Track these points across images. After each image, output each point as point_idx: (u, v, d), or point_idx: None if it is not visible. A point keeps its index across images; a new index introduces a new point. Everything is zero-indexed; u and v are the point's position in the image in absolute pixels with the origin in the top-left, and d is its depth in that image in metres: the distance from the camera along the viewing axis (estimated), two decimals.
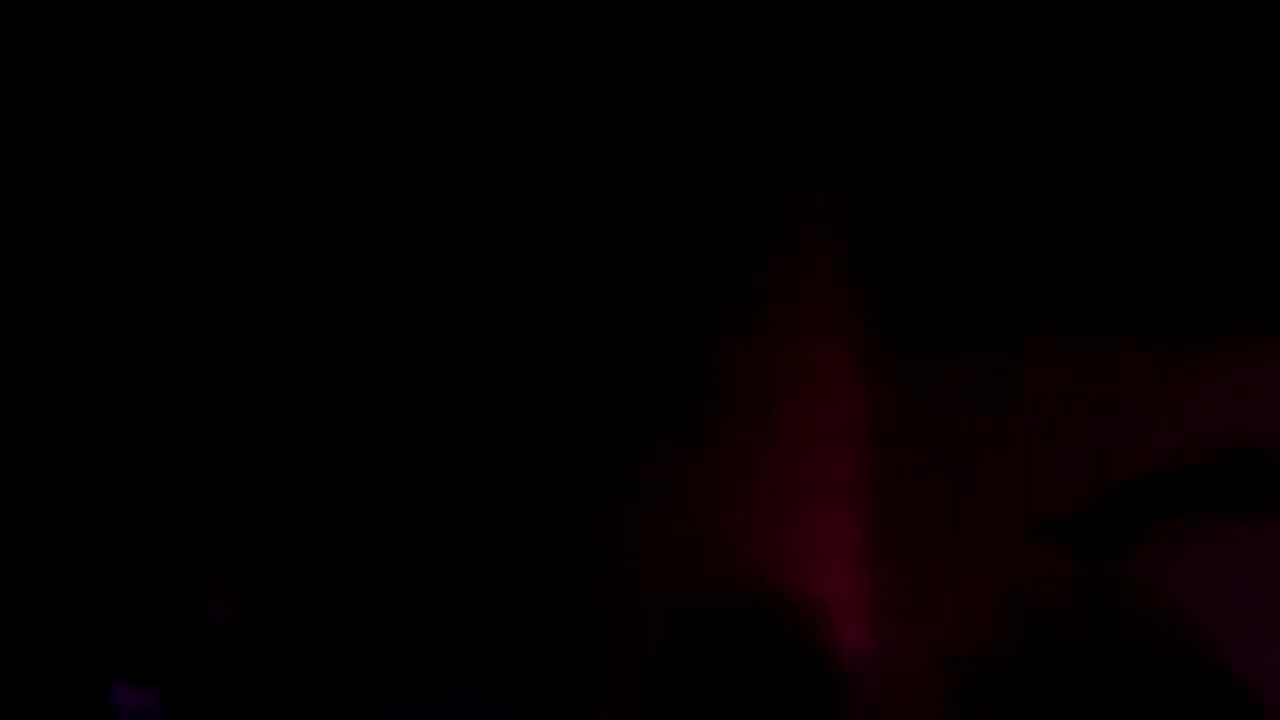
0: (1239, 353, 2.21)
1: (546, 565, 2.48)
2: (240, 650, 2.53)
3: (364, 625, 2.57)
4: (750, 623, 2.30)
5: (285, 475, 2.62)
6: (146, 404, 2.64)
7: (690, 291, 2.54)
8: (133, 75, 2.62)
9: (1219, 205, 2.29)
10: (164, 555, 2.66)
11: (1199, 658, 1.72)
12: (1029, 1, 2.39)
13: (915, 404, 2.47)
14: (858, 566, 2.36)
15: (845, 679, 2.19)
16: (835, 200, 2.52)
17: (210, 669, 2.48)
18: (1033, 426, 2.33)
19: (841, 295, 2.53)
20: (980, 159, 2.46)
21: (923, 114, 2.48)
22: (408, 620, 2.52)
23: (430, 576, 2.47)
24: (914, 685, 2.22)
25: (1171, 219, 2.32)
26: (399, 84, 2.59)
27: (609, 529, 2.46)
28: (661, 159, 2.54)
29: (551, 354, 2.50)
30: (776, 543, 2.40)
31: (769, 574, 2.35)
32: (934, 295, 2.50)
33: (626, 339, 2.54)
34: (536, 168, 2.53)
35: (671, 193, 2.53)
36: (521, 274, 2.54)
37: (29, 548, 2.62)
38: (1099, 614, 1.52)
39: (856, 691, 2.22)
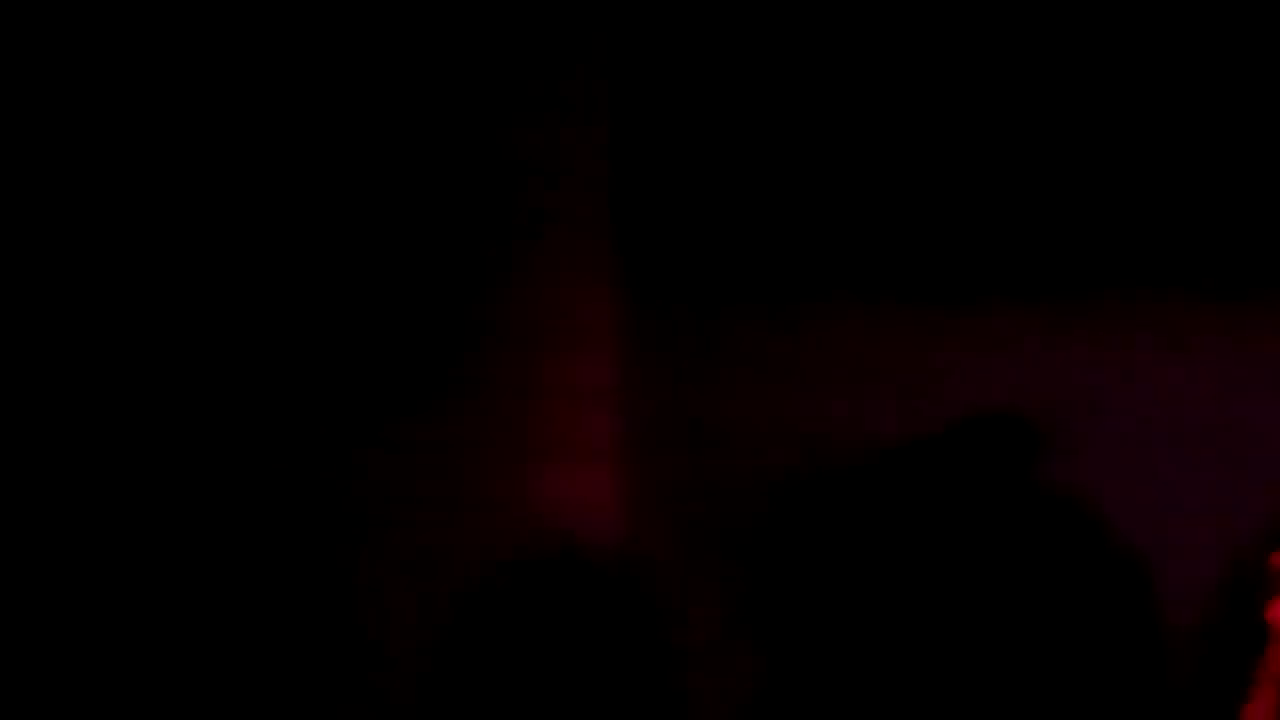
0: (1004, 320, 2.48)
1: (314, 522, 2.63)
2: None
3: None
4: (514, 573, 2.54)
5: None
6: None
7: (453, 254, 2.76)
8: None
9: (987, 175, 2.54)
10: None
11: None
12: None
13: (669, 362, 2.73)
14: (613, 516, 2.62)
15: (607, 616, 2.46)
16: (597, 161, 2.74)
17: None
18: (784, 386, 2.58)
19: (603, 256, 2.75)
20: (741, 126, 2.69)
21: (684, 77, 2.72)
22: (165, 578, 2.63)
23: (192, 539, 2.58)
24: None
25: (936, 187, 2.57)
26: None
27: (375, 485, 2.65)
28: (422, 124, 2.74)
29: (315, 313, 2.66)
30: (536, 497, 2.63)
31: (530, 527, 2.60)
32: (690, 256, 2.74)
33: (392, 299, 2.73)
34: (295, 125, 2.69)
35: (435, 152, 2.75)
36: (285, 230, 2.67)
37: None
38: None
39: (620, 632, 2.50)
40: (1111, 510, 2.26)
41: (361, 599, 2.67)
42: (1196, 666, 1.68)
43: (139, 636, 2.62)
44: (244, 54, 2.73)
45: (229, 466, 2.74)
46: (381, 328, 2.79)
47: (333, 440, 2.75)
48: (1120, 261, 2.60)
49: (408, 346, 2.79)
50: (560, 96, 2.79)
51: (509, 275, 2.78)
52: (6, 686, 2.55)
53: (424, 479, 2.72)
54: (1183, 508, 2.21)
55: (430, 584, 2.64)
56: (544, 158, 2.81)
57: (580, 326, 2.78)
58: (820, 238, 2.71)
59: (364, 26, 2.77)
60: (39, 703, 2.55)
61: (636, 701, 2.66)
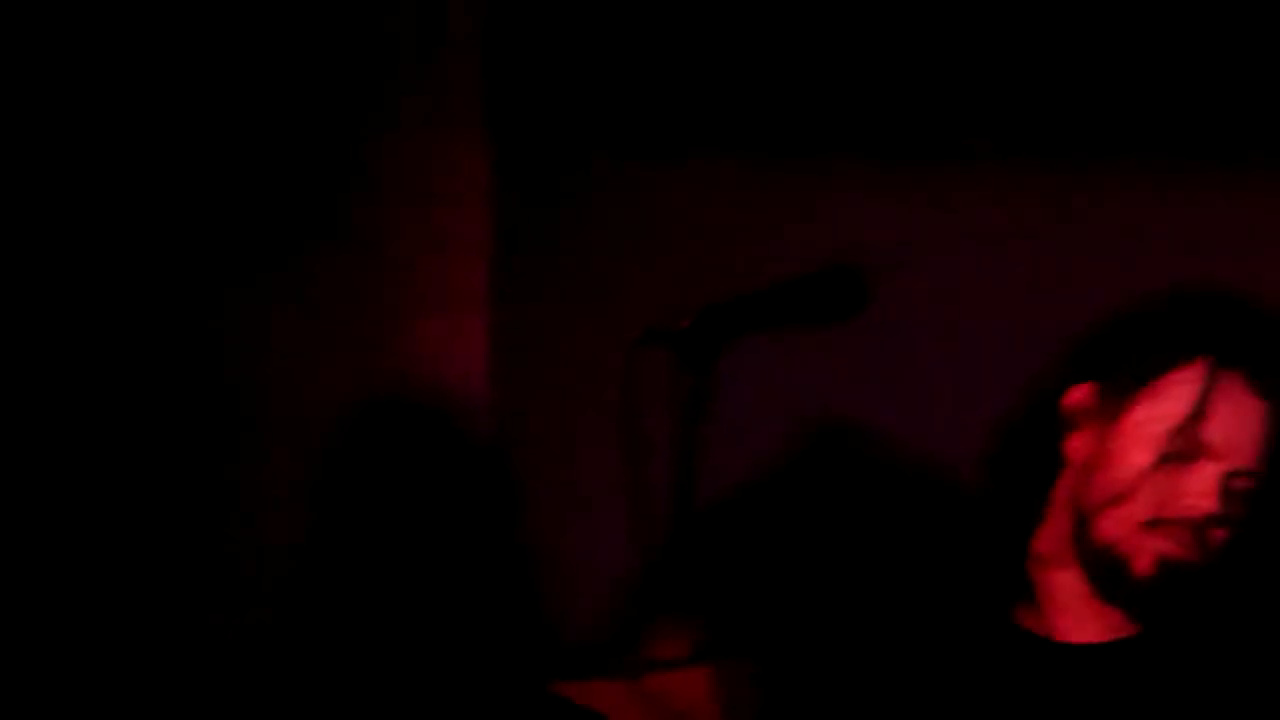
0: (848, 179, 2.58)
1: (201, 371, 2.73)
2: None
3: None
4: (391, 419, 2.61)
5: None
6: None
7: (328, 109, 2.81)
8: None
9: (830, 46, 2.60)
10: None
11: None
12: None
13: (543, 215, 2.79)
14: (484, 368, 2.77)
15: (478, 463, 2.58)
16: (471, 19, 2.83)
17: None
18: (649, 241, 2.66)
19: (475, 113, 2.81)
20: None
21: None
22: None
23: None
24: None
25: (783, 51, 2.64)
26: None
27: (257, 334, 2.74)
28: None
29: (201, 161, 2.71)
30: (409, 346, 2.76)
31: (405, 374, 2.71)
32: (560, 115, 2.80)
33: (278, 148, 2.78)
34: None
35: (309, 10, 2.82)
36: (173, 76, 2.72)
37: None
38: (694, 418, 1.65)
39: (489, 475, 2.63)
40: (926, 357, 2.38)
41: (233, 446, 2.73)
42: (996, 496, 1.73)
43: None
44: None
45: (92, 312, 2.76)
46: (255, 179, 2.79)
47: (205, 288, 2.76)
48: (955, 125, 2.64)
49: (281, 198, 2.80)
50: None
51: (382, 132, 2.79)
52: None
53: (295, 326, 2.78)
54: (993, 354, 2.29)
55: (299, 434, 2.71)
56: (417, 15, 2.83)
57: (452, 181, 2.80)
58: (681, 99, 2.74)
59: None
60: None
61: (492, 546, 2.71)
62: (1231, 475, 1.47)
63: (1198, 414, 1.49)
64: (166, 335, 2.79)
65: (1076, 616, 1.50)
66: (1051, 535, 1.52)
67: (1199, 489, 1.47)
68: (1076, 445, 1.51)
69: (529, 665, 2.45)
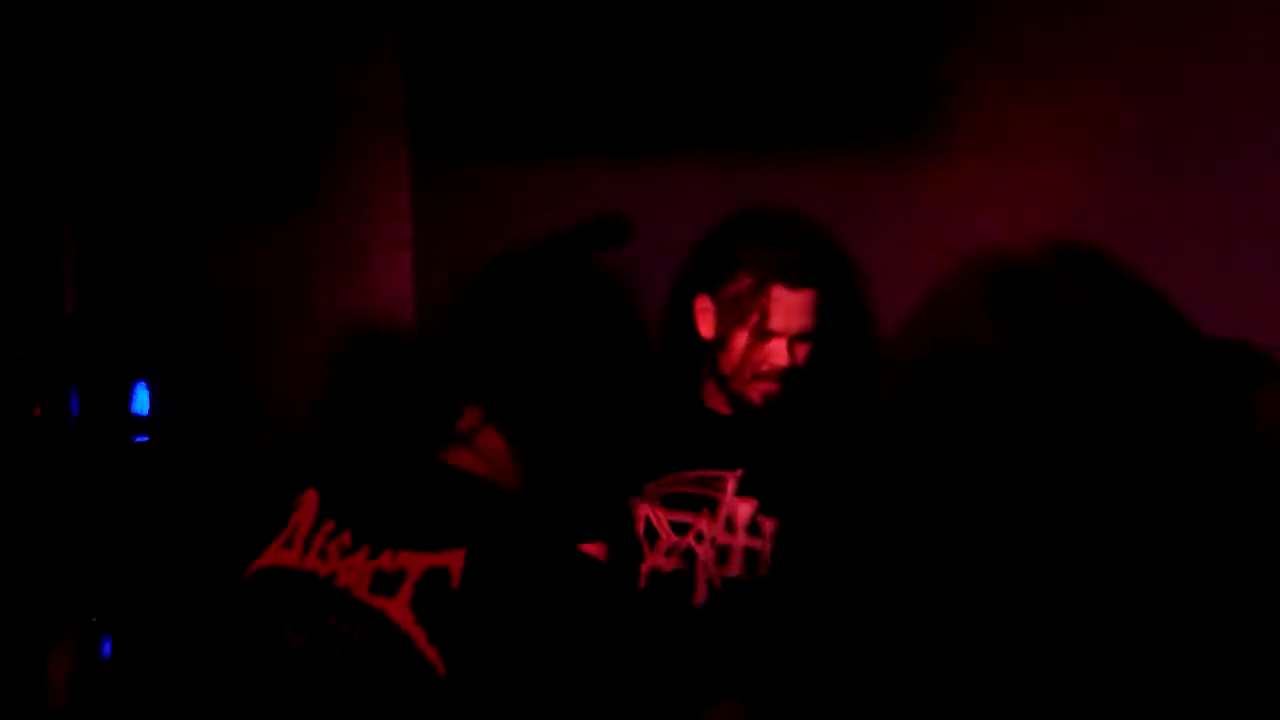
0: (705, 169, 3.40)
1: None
2: None
3: None
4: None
5: None
6: None
7: (310, 123, 3.73)
8: None
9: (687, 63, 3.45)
10: None
11: None
12: None
13: (457, 205, 3.66)
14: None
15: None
16: (393, 64, 3.75)
17: None
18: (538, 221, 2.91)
19: (400, 128, 3.76)
20: (506, 42, 3.62)
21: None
22: None
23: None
24: None
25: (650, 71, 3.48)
26: None
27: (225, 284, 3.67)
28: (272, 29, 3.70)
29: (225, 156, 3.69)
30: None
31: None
32: (476, 114, 3.65)
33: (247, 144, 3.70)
34: None
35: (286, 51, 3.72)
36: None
37: None
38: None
39: None
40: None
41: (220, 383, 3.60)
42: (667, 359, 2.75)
43: None
44: None
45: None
46: (237, 160, 3.78)
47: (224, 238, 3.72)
48: (777, 129, 3.50)
49: (260, 174, 3.80)
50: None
51: (334, 133, 3.78)
52: None
53: (269, 276, 3.75)
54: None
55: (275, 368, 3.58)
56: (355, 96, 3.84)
57: (380, 182, 3.83)
58: (570, 108, 3.61)
59: None
60: None
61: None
62: (793, 340, 2.45)
63: (763, 314, 2.45)
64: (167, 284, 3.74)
65: (724, 405, 2.53)
66: (709, 378, 2.54)
67: (775, 353, 2.45)
68: (705, 333, 2.49)
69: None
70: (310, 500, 1.89)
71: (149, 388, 3.42)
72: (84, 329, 3.59)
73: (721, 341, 2.52)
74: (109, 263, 3.76)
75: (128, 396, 3.41)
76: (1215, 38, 3.12)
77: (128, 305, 3.78)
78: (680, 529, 2.58)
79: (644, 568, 2.59)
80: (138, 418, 3.39)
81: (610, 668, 1.78)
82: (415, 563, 1.76)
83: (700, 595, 2.59)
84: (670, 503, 2.59)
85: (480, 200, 3.69)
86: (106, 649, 3.03)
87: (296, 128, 3.84)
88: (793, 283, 2.48)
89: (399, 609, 1.74)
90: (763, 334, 2.50)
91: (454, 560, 1.74)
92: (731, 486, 2.58)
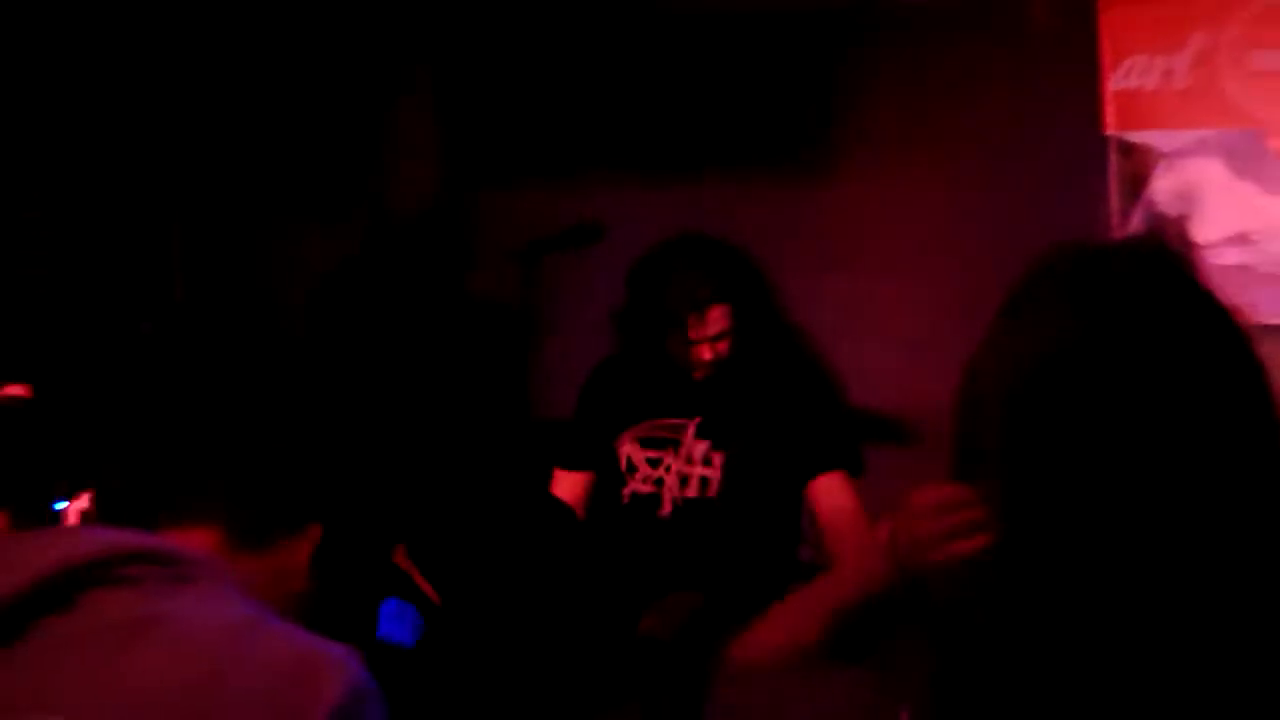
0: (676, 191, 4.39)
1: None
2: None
3: None
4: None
5: None
6: None
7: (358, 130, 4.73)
8: None
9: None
10: None
11: None
12: None
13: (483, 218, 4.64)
14: None
15: None
16: (425, 111, 4.78)
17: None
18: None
19: (429, 151, 4.72)
20: (518, 93, 4.67)
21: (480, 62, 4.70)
22: None
23: None
24: None
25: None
26: None
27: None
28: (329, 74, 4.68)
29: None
30: None
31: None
32: (496, 152, 4.68)
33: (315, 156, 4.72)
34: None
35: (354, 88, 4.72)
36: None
37: None
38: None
39: None
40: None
41: None
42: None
43: None
44: None
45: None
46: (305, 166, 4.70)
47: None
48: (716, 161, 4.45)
49: (320, 186, 4.71)
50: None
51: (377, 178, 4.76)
52: None
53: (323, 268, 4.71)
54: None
55: None
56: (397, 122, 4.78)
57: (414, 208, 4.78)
58: (561, 144, 4.63)
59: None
60: None
61: None
62: (713, 340, 3.20)
63: (684, 328, 3.18)
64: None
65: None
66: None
67: (700, 351, 3.20)
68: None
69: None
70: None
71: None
72: (189, 309, 4.46)
73: (664, 337, 3.28)
74: (207, 256, 4.67)
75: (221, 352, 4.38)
76: (1023, 104, 4.23)
77: (222, 290, 4.65)
78: (653, 463, 3.39)
79: (626, 491, 3.42)
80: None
81: (576, 570, 2.33)
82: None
83: (666, 509, 3.38)
84: (645, 443, 3.39)
85: (503, 210, 4.55)
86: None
87: (351, 151, 4.74)
88: (703, 308, 3.23)
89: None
90: (688, 340, 3.25)
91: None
92: (691, 431, 3.38)
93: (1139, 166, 4.35)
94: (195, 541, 1.36)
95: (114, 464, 1.84)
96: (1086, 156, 4.40)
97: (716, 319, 3.27)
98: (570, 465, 3.46)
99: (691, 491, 3.40)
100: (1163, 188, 4.35)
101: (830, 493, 3.34)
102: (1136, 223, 4.32)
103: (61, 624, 0.86)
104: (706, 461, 3.39)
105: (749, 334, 3.32)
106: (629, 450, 3.43)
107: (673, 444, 3.41)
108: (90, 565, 0.87)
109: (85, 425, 2.64)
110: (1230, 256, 4.18)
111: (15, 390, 3.46)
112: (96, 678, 0.84)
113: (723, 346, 3.28)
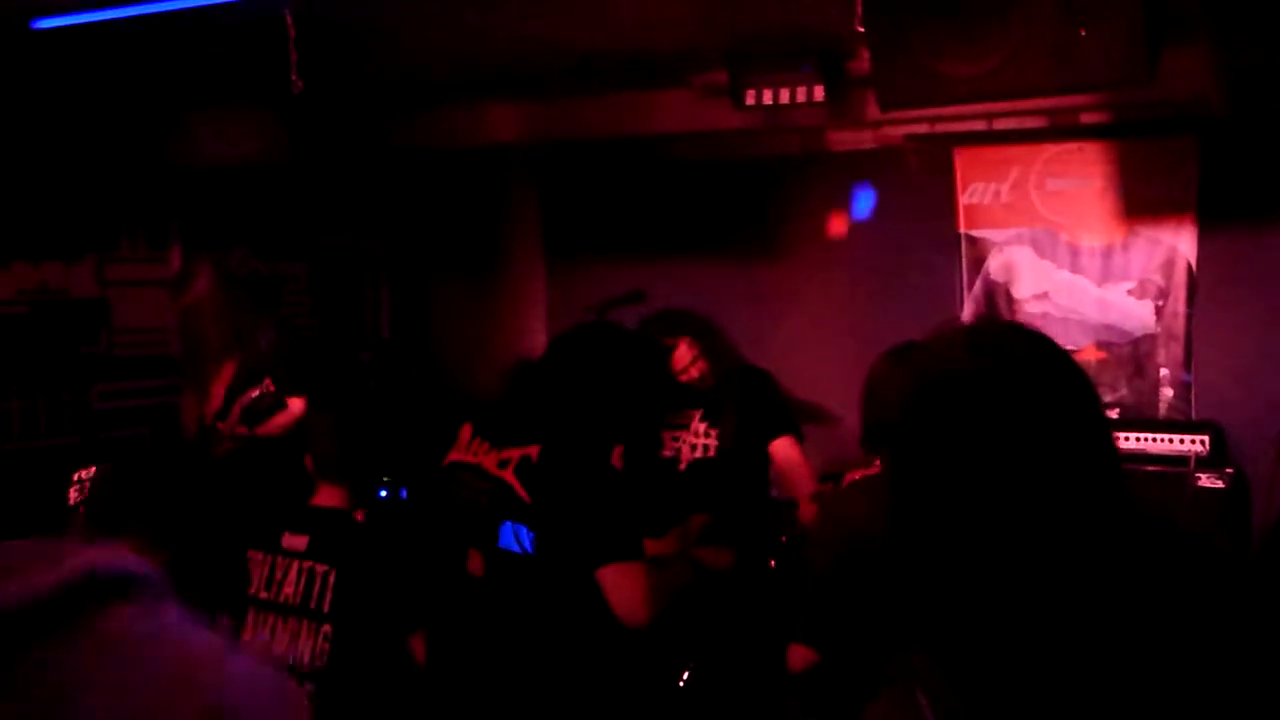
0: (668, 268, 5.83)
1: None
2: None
3: None
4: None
5: None
6: None
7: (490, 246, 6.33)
8: None
9: None
10: None
11: None
12: None
13: (568, 283, 5.97)
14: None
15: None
16: (533, 223, 6.40)
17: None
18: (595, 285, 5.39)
19: (537, 234, 6.39)
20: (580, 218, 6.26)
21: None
22: None
23: None
24: None
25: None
26: None
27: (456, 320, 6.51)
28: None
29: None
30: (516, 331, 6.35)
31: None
32: (575, 240, 6.38)
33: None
34: None
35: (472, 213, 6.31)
36: None
37: None
38: None
39: None
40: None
41: None
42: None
43: None
44: None
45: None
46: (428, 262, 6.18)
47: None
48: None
49: (473, 260, 6.19)
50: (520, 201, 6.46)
51: (502, 253, 6.38)
52: None
53: (472, 314, 6.17)
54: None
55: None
56: (516, 219, 6.42)
57: (528, 270, 6.37)
58: (615, 238, 6.08)
59: None
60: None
61: None
62: (691, 363, 4.45)
63: (669, 359, 4.40)
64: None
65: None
66: None
67: (685, 373, 4.38)
68: None
69: None
70: (467, 427, 2.99)
71: (421, 369, 6.06)
72: (392, 343, 6.12)
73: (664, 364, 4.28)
74: (402, 304, 6.23)
75: (411, 374, 6.08)
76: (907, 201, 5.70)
77: (411, 329, 6.18)
78: (675, 438, 4.51)
79: (659, 454, 4.48)
80: (413, 376, 6.09)
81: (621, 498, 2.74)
82: (515, 453, 2.83)
83: (682, 466, 4.44)
84: (671, 425, 4.48)
85: (579, 281, 5.98)
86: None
87: (490, 237, 6.31)
88: (673, 342, 4.29)
89: (508, 475, 2.83)
90: (674, 367, 4.31)
91: (534, 450, 2.84)
92: (697, 416, 4.42)
93: (979, 251, 6.02)
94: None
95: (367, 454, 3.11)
96: (946, 245, 5.93)
97: (685, 352, 4.44)
98: (619, 441, 4.24)
99: (698, 454, 4.47)
100: (994, 265, 6.05)
101: (783, 448, 4.40)
102: (978, 287, 5.95)
103: (68, 638, 0.72)
104: (707, 435, 4.50)
105: (716, 362, 4.43)
106: (664, 432, 4.52)
107: (685, 426, 4.52)
108: (96, 580, 0.74)
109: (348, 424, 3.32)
110: (1036, 307, 5.90)
111: (296, 402, 5.16)
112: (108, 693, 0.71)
113: (695, 371, 4.42)
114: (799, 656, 2.82)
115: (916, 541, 1.33)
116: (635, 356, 3.00)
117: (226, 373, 5.07)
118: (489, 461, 2.93)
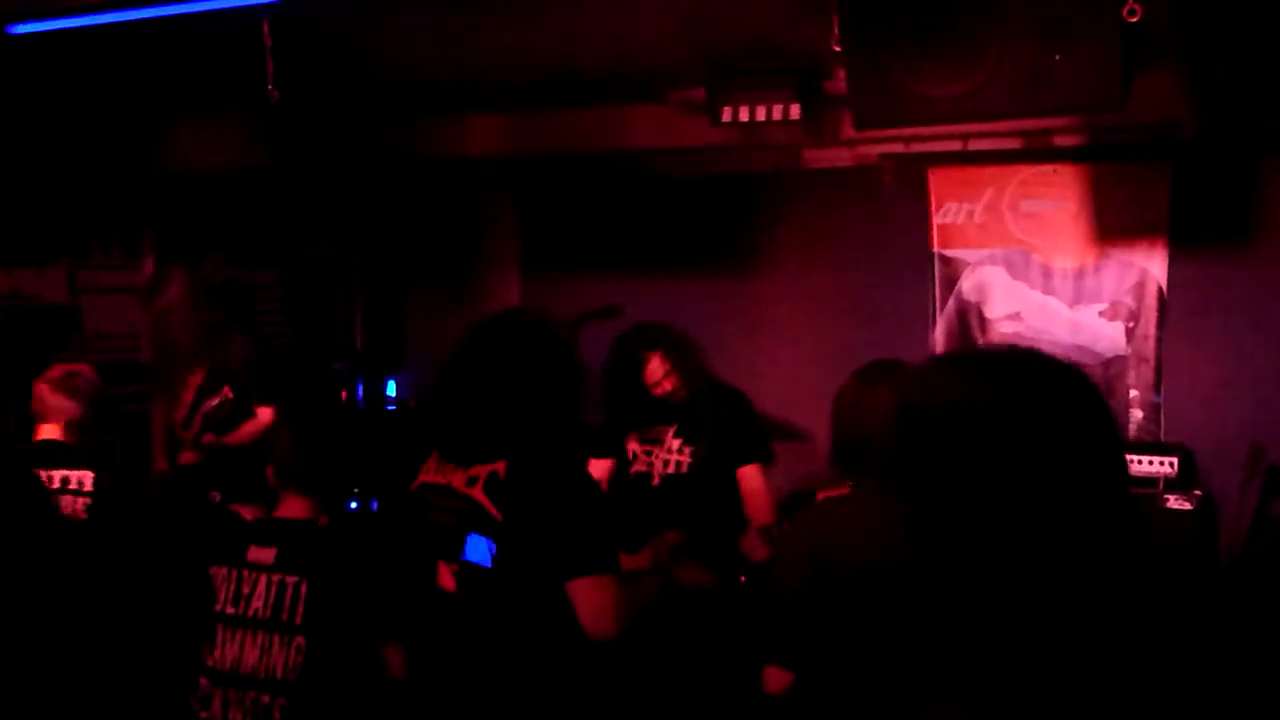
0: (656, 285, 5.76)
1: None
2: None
3: None
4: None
5: None
6: None
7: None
8: None
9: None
10: None
11: None
12: None
13: (544, 295, 5.63)
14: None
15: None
16: (513, 236, 6.29)
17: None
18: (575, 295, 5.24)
19: (511, 253, 6.19)
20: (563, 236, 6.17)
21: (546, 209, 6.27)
22: None
23: None
24: None
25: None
26: None
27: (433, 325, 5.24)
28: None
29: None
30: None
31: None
32: (551, 253, 6.22)
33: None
34: None
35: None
36: None
37: None
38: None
39: None
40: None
41: None
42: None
43: None
44: None
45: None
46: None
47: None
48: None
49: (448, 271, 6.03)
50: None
51: (478, 264, 6.24)
52: None
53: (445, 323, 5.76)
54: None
55: None
56: (492, 231, 6.18)
57: (504, 296, 6.19)
58: (594, 251, 6.04)
59: None
60: None
61: None
62: (663, 378, 4.42)
63: (641, 373, 4.34)
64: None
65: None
66: None
67: (657, 386, 4.39)
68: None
69: None
70: (434, 454, 2.98)
71: (395, 381, 5.96)
72: (365, 353, 6.06)
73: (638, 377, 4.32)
74: (377, 314, 6.19)
75: (385, 386, 6.01)
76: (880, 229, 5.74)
77: (385, 340, 6.12)
78: (648, 452, 4.43)
79: (632, 470, 4.45)
80: (389, 398, 5.95)
81: (598, 513, 2.70)
82: (482, 470, 2.80)
83: (655, 481, 4.41)
84: (643, 440, 4.40)
85: (554, 294, 5.94)
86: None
87: (466, 249, 6.23)
88: (647, 356, 4.28)
89: (477, 492, 2.78)
90: (646, 381, 4.29)
91: (500, 466, 2.80)
92: (671, 431, 4.37)
93: (952, 271, 6.04)
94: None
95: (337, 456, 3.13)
96: (920, 264, 5.95)
97: (657, 365, 4.40)
98: (599, 455, 4.55)
99: (670, 470, 4.43)
100: (967, 285, 6.05)
101: (748, 478, 4.37)
102: (950, 307, 5.98)
103: None
104: (680, 452, 4.44)
105: (689, 377, 4.37)
106: (633, 446, 4.48)
107: (659, 440, 4.45)
108: None
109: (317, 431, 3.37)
110: (1008, 327, 5.94)
111: (266, 411, 5.00)
112: None
113: (670, 382, 4.37)
114: (775, 679, 2.82)
115: (944, 581, 1.33)
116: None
117: (196, 380, 5.09)
118: (457, 480, 2.92)
